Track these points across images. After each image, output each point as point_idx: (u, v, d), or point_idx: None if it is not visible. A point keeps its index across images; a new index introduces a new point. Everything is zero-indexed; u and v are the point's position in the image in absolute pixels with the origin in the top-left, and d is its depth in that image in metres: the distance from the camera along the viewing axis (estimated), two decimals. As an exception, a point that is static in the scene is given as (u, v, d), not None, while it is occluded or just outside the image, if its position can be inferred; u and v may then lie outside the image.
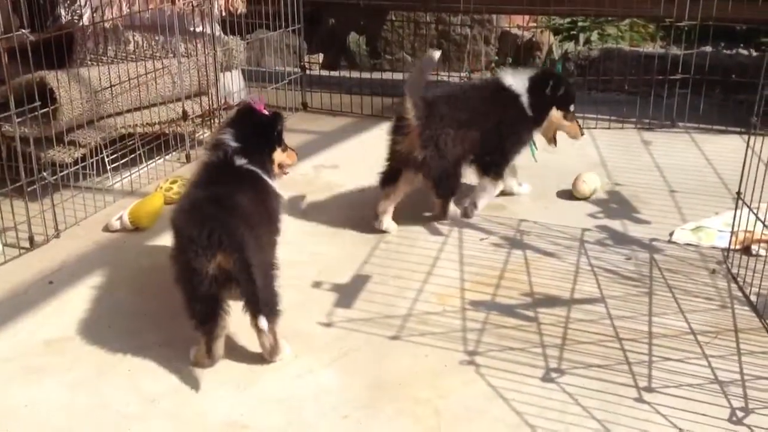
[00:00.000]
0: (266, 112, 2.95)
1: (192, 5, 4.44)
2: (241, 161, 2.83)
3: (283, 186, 3.98)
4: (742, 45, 5.42)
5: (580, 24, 5.98)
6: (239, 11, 4.76)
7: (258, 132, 2.92)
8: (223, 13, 4.71)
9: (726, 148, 4.23)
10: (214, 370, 2.59)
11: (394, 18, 6.18)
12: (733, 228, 3.14)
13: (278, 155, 3.00)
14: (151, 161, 4.28)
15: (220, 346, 2.59)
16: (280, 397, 2.47)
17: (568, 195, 3.85)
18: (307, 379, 2.55)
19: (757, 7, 4.68)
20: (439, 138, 3.38)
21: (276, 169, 3.03)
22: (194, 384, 2.53)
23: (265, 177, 2.91)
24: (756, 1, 4.78)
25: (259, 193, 2.84)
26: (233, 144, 2.84)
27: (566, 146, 4.37)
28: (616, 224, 3.55)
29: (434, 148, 3.38)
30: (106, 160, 4.00)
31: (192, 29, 4.58)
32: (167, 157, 4.36)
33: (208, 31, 4.55)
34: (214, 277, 2.48)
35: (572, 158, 4.28)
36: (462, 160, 3.53)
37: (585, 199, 3.80)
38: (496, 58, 6.06)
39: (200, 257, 2.47)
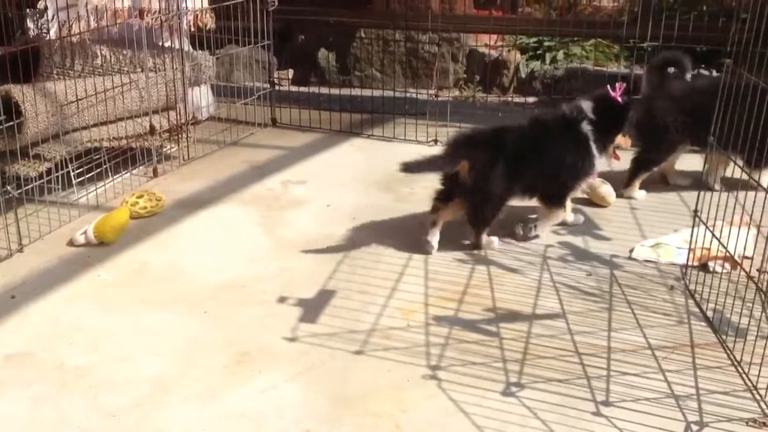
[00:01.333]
0: (620, 99, 3.51)
1: (161, 20, 4.45)
2: (586, 127, 3.50)
3: (250, 202, 4.05)
4: (703, 66, 5.54)
5: (546, 44, 6.08)
6: (208, 27, 4.78)
7: (612, 112, 3.52)
8: (192, 29, 4.73)
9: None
10: (176, 384, 2.59)
11: (363, 35, 6.24)
12: (690, 245, 3.21)
13: (619, 138, 3.62)
14: (117, 176, 4.27)
15: (435, 231, 3.48)
16: (242, 411, 2.47)
17: (530, 212, 3.90)
18: (270, 393, 2.56)
19: (717, 29, 4.81)
20: (656, 115, 3.92)
21: (611, 151, 3.64)
22: (156, 399, 2.53)
23: (594, 149, 3.53)
24: (716, 24, 4.91)
25: (573, 156, 3.52)
26: (589, 113, 3.51)
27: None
28: (577, 241, 3.61)
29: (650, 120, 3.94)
30: (72, 174, 3.99)
31: (160, 44, 4.59)
32: (134, 171, 4.35)
33: (177, 46, 4.56)
34: (455, 174, 3.35)
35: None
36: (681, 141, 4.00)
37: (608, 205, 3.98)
38: (464, 75, 6.14)
39: (457, 154, 3.36)
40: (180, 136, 4.53)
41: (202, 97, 5.01)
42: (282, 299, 3.12)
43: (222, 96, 5.32)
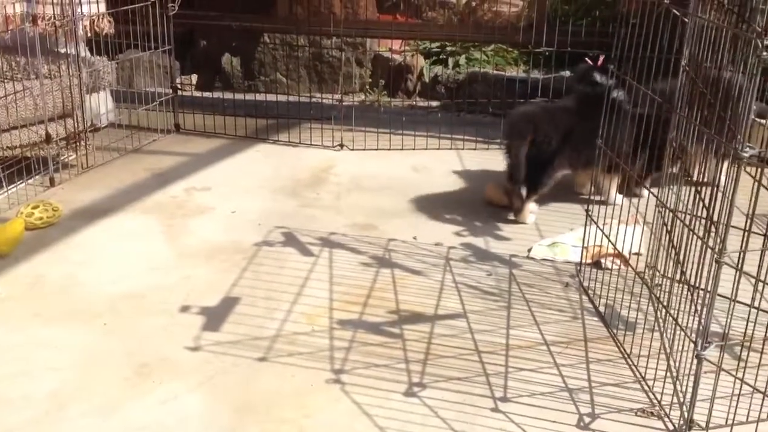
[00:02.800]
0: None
1: (55, 26, 4.33)
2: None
3: (152, 210, 3.98)
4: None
5: (448, 48, 6.19)
6: (105, 32, 4.67)
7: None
8: (89, 34, 4.61)
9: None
10: (74, 399, 2.53)
11: (268, 40, 6.22)
12: (584, 243, 3.34)
13: None
14: (12, 186, 4.12)
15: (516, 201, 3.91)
16: (143, 424, 2.44)
17: (435, 214, 3.98)
18: (171, 405, 2.53)
19: (608, 34, 5.00)
20: None
21: None
22: (54, 415, 2.47)
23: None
24: (608, 29, 5.12)
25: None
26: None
27: (434, 165, 4.54)
28: (479, 241, 3.70)
29: None
30: (-37, 185, 3.85)
31: (56, 50, 4.47)
32: (29, 181, 4.21)
33: (74, 52, 4.45)
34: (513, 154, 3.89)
35: (439, 177, 4.45)
36: None
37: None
38: (370, 80, 6.20)
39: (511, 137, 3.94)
40: (78, 144, 4.42)
41: (101, 104, 4.89)
42: (184, 308, 3.09)
43: (123, 102, 5.20)
